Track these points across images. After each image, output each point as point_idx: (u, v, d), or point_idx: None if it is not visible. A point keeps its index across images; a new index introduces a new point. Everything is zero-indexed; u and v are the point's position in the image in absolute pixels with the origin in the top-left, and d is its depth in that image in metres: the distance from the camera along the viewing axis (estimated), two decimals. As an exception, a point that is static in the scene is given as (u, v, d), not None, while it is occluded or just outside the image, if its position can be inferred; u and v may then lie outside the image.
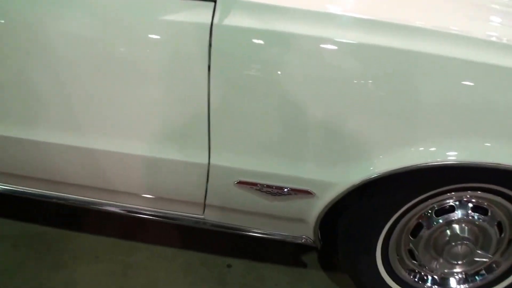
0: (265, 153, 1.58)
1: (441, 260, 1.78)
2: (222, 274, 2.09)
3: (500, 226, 1.71)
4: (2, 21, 1.49)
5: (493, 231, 1.71)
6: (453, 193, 1.63)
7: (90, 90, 1.54)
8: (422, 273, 1.86)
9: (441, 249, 1.73)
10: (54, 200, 1.87)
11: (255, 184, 1.70)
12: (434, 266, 1.81)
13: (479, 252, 1.72)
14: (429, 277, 1.87)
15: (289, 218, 1.75)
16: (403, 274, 1.84)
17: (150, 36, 1.45)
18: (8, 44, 1.50)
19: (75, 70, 1.51)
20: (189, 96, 1.50)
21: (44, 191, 1.85)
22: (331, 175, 1.61)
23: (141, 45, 1.45)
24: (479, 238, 1.72)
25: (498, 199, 1.64)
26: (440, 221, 1.71)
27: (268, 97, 1.47)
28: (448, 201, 1.70)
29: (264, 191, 1.71)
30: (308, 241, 1.89)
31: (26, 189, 1.87)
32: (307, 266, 2.16)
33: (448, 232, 1.72)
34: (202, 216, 1.86)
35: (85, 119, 1.61)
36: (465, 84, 1.39)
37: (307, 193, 1.70)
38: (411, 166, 1.48)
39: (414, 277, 1.86)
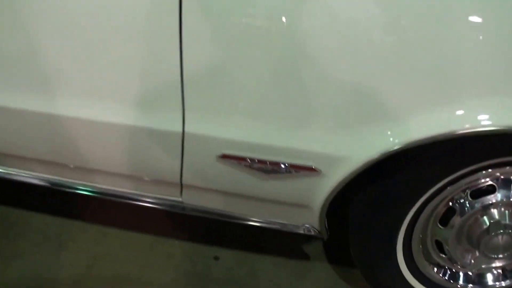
0: (255, 118, 1.29)
1: (476, 254, 1.47)
2: (208, 267, 1.82)
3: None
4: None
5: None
6: (491, 170, 1.34)
7: (47, 48, 1.31)
8: (453, 270, 1.57)
9: (477, 240, 1.43)
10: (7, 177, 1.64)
11: (243, 159, 1.33)
12: (468, 261, 1.51)
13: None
14: (461, 274, 1.58)
15: (288, 203, 1.49)
16: (429, 271, 1.56)
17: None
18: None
19: (34, 27, 1.28)
20: (157, 47, 1.24)
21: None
22: (342, 147, 1.29)
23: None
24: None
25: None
26: (476, 205, 1.40)
27: (261, 43, 1.20)
28: (485, 180, 1.40)
29: (255, 168, 1.34)
30: (312, 231, 1.53)
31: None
32: (310, 259, 1.87)
33: (486, 219, 1.41)
34: (180, 199, 1.55)
35: (44, 80, 1.36)
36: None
37: (310, 170, 1.34)
38: (445, 134, 1.19)
39: (443, 274, 1.58)
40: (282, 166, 1.35)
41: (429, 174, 1.35)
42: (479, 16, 1.13)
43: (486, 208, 1.41)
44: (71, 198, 1.92)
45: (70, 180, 1.63)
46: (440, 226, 1.46)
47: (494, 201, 1.40)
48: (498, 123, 1.16)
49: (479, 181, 1.40)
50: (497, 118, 1.16)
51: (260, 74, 1.24)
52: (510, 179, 1.39)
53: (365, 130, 1.26)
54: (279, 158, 1.34)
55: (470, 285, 1.58)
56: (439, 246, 1.51)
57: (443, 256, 1.52)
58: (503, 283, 1.57)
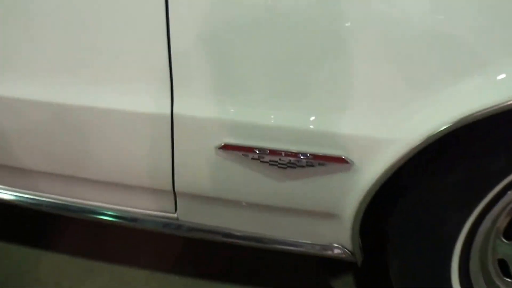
0: (266, 93, 1.01)
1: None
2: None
3: None
4: None
5: None
6: None
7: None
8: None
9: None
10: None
11: (250, 149, 0.99)
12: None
13: None
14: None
15: (311, 212, 1.15)
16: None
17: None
18: None
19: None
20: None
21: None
22: (381, 128, 0.98)
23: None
24: None
25: None
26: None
27: None
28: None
29: (266, 162, 1.02)
30: (343, 253, 1.14)
31: None
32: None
33: None
34: (175, 215, 1.18)
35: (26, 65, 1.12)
36: None
37: (340, 162, 1.02)
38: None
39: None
40: (302, 157, 1.01)
41: (491, 166, 1.03)
42: None
43: None
44: (48, 224, 1.70)
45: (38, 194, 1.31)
46: (504, 240, 1.16)
47: None
48: None
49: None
50: None
51: (272, 31, 0.94)
52: None
53: (412, 104, 0.93)
54: (297, 147, 1.01)
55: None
56: (503, 267, 1.20)
57: (508, 280, 1.20)
58: None
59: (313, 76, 0.98)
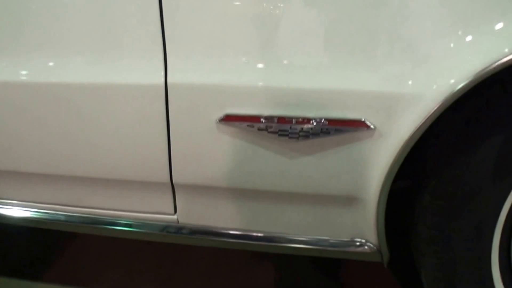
0: (270, 52, 0.89)
1: None
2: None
3: None
4: None
5: None
6: None
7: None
8: None
9: None
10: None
11: (256, 119, 0.85)
12: None
13: None
14: None
15: (327, 197, 0.98)
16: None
17: None
18: None
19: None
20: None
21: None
22: (403, 83, 0.84)
23: None
24: None
25: None
26: None
27: None
28: None
29: (275, 132, 0.88)
30: (368, 248, 0.98)
31: None
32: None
33: None
34: (175, 217, 1.01)
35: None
36: None
37: (360, 126, 0.87)
38: None
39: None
40: (316, 124, 0.87)
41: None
42: None
43: None
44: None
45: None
46: None
47: None
48: None
49: None
50: None
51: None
52: None
53: (449, 47, 0.81)
54: (310, 112, 0.87)
55: None
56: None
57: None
58: None
59: (324, 29, 0.86)
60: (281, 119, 0.90)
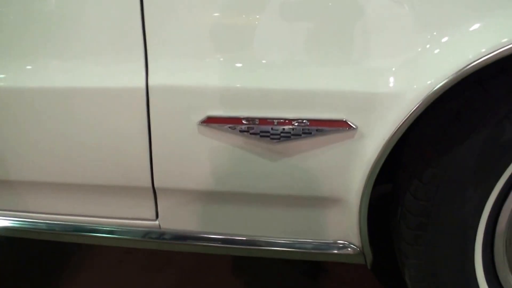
0: (252, 54, 0.89)
1: None
2: None
3: None
4: None
5: None
6: None
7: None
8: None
9: None
10: None
11: (238, 121, 0.85)
12: None
13: None
14: None
15: (309, 198, 0.98)
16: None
17: None
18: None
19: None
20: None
21: None
22: (385, 82, 0.84)
23: None
24: None
25: None
26: None
27: None
28: None
29: (256, 133, 0.87)
30: (350, 250, 0.98)
31: None
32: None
33: None
34: (156, 222, 0.99)
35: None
36: None
37: (341, 126, 0.87)
38: None
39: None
40: (297, 124, 0.87)
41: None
42: None
43: None
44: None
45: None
46: None
47: None
48: None
49: None
50: None
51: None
52: None
53: (428, 47, 0.82)
54: (292, 113, 0.87)
55: None
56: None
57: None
58: None
59: (304, 29, 0.86)
60: (263, 121, 0.90)
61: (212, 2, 0.87)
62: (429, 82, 0.83)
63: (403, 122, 0.85)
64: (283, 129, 0.90)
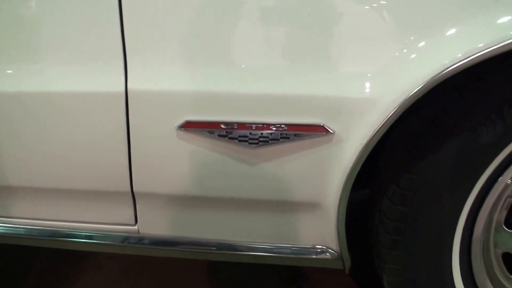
0: (230, 59, 0.90)
1: None
2: None
3: None
4: None
5: None
6: None
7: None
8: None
9: None
10: None
11: (216, 125, 0.85)
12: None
13: None
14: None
15: (287, 203, 0.99)
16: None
17: None
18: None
19: None
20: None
21: None
22: (362, 87, 0.86)
23: None
24: None
25: None
26: None
27: None
28: None
29: (235, 138, 0.88)
30: (329, 255, 0.98)
31: None
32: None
33: None
34: (135, 227, 0.98)
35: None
36: None
37: (319, 131, 0.88)
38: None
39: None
40: (275, 129, 0.87)
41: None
42: None
43: None
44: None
45: None
46: (506, 229, 1.01)
47: None
48: None
49: None
50: None
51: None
52: None
53: (404, 52, 0.82)
54: (270, 117, 0.87)
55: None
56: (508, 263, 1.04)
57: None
58: None
59: (282, 35, 0.87)
60: (241, 125, 0.90)
61: (190, 8, 0.87)
62: (405, 87, 0.83)
63: (380, 127, 0.86)
64: (261, 133, 0.90)
